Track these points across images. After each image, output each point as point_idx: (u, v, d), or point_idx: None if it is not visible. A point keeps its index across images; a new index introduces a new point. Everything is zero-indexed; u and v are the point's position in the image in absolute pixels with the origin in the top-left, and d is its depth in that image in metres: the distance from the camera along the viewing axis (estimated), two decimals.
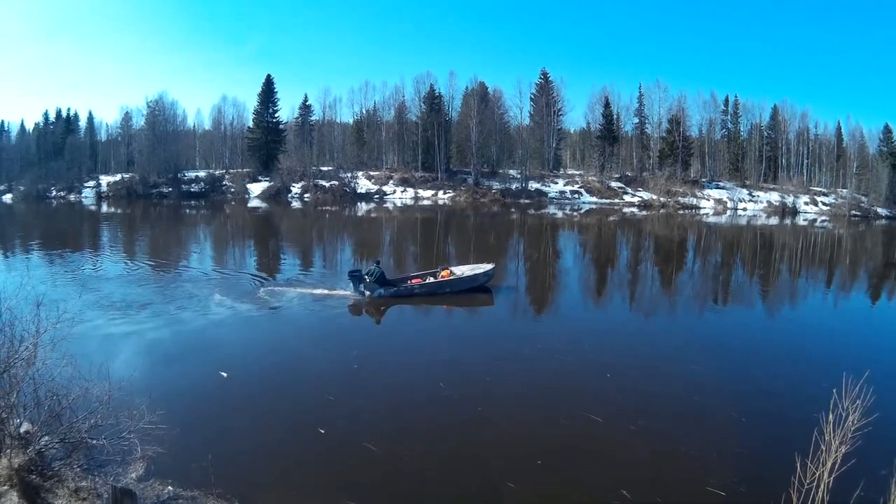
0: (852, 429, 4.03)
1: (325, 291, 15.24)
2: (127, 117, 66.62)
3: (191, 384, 8.70)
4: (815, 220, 52.47)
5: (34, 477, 5.15)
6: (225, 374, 9.06)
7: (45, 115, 70.43)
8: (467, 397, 8.52)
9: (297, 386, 8.89)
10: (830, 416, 4.05)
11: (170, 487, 5.61)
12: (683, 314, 15.33)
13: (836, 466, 4.07)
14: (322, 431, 7.14)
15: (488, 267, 15.55)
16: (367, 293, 14.55)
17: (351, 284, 14.79)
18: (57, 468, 5.40)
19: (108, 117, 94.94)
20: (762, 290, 19.29)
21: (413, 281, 15.33)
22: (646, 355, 10.84)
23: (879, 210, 59.84)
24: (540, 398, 8.59)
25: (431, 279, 15.36)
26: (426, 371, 9.78)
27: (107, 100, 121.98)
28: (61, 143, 64.30)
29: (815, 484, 4.11)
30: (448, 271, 15.57)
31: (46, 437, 5.50)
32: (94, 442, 5.58)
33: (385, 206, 49.98)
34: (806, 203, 58.94)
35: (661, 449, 6.97)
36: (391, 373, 9.71)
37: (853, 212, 57.58)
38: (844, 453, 4.04)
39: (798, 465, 4.10)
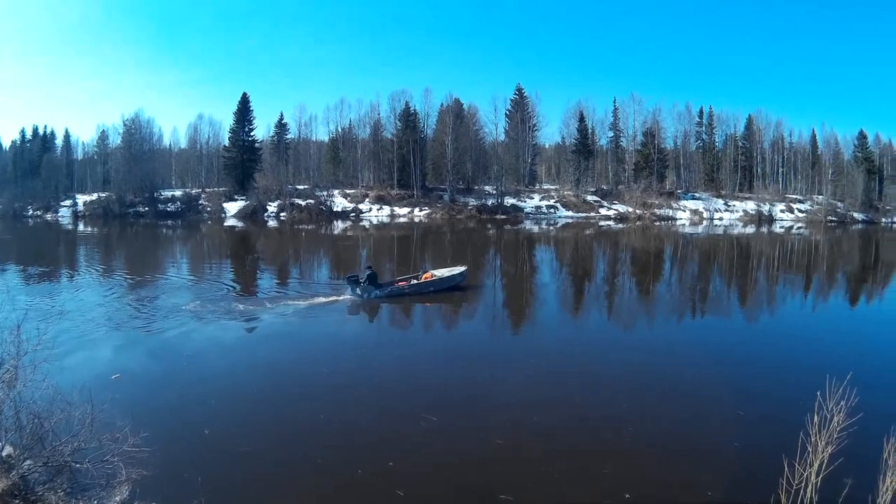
0: (837, 429, 4.15)
1: (322, 300, 16.18)
2: (103, 136, 66.34)
3: (175, 404, 8.43)
4: (791, 227, 53.00)
5: (17, 502, 5.07)
6: (116, 376, 9.09)
7: (22, 133, 70.06)
8: (460, 397, 8.90)
9: (290, 401, 8.70)
10: (815, 418, 4.16)
11: None
12: (664, 322, 15.36)
13: (823, 467, 4.17)
14: (315, 447, 7.04)
15: (462, 269, 18.07)
16: (364, 295, 16.03)
17: (348, 288, 16.25)
18: (41, 493, 5.30)
19: (84, 135, 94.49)
20: (741, 297, 19.39)
21: (400, 283, 17.26)
22: (630, 362, 10.94)
23: (856, 215, 60.55)
24: (530, 401, 8.69)
25: (415, 281, 17.28)
26: (418, 370, 10.36)
27: (84, 118, 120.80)
28: (38, 162, 63.93)
29: (802, 484, 4.21)
30: (429, 274, 17.62)
31: (29, 461, 5.39)
32: (78, 465, 5.48)
33: (361, 224, 49.89)
34: (782, 211, 59.56)
35: (650, 452, 7.07)
36: (386, 379, 9.97)
37: (829, 217, 58.21)
38: (831, 453, 4.15)
39: (786, 466, 4.19)
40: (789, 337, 13.52)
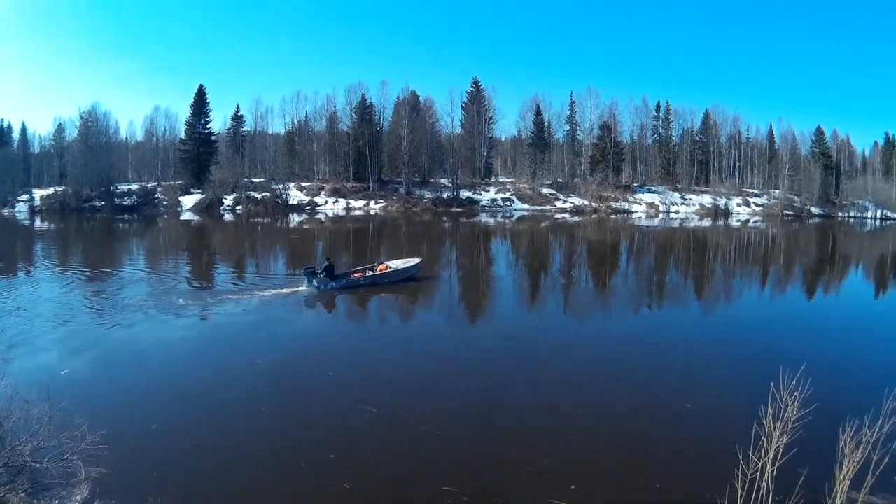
0: (792, 419, 4.18)
1: (280, 291, 16.37)
2: (60, 129, 65.04)
3: (130, 400, 8.32)
4: (748, 221, 53.73)
5: None
6: (65, 371, 9.05)
7: None
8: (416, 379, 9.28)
9: (237, 394, 8.63)
10: (770, 409, 4.20)
11: None
12: (616, 314, 15.40)
13: (779, 456, 4.21)
14: (272, 444, 6.96)
15: (417, 260, 18.59)
16: (321, 287, 16.31)
17: (305, 280, 16.48)
18: (2, 494, 5.27)
19: (41, 129, 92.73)
20: (695, 289, 19.52)
21: (356, 275, 17.53)
22: (579, 354, 10.96)
23: (812, 209, 61.60)
24: (471, 391, 8.71)
25: (371, 273, 17.57)
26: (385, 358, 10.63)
27: (40, 111, 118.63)
28: None
29: (758, 474, 4.24)
30: (385, 265, 18.01)
31: None
32: (38, 465, 5.41)
33: (317, 217, 49.64)
34: (738, 204, 60.39)
35: (605, 446, 7.02)
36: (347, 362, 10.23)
37: (786, 211, 59.17)
38: (786, 443, 4.18)
39: (741, 456, 4.24)
40: (744, 329, 13.55)
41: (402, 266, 18.02)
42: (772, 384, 4.37)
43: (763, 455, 4.25)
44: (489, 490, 5.97)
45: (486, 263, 25.13)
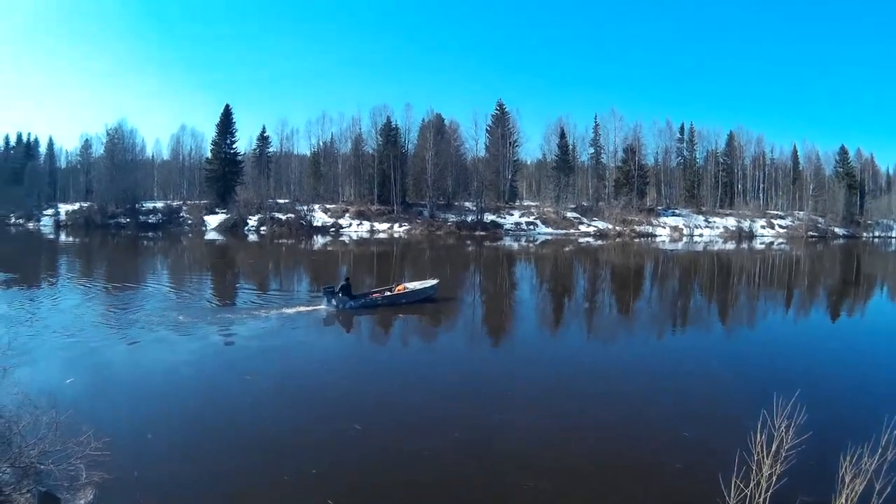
0: (786, 447, 4.23)
1: (299, 309, 16.67)
2: (87, 145, 66.18)
3: (136, 411, 8.57)
4: (772, 243, 53.34)
5: None
6: (70, 380, 9.29)
7: (6, 140, 69.79)
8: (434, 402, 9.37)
9: (255, 407, 8.89)
10: (760, 437, 4.26)
11: None
12: (634, 340, 15.25)
13: (772, 484, 4.22)
14: (280, 455, 7.18)
15: (434, 282, 18.60)
16: (339, 306, 16.51)
17: (324, 299, 16.70)
18: (8, 493, 5.47)
19: (68, 144, 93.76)
20: (715, 315, 19.37)
21: (374, 294, 17.77)
22: (586, 378, 11.04)
23: (837, 230, 61.06)
24: (466, 413, 8.85)
25: (388, 293, 17.82)
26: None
27: (68, 126, 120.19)
28: (21, 169, 63.64)
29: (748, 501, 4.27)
30: (402, 286, 18.18)
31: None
32: (43, 467, 5.62)
33: (341, 239, 49.88)
34: (763, 227, 59.96)
35: (599, 470, 7.10)
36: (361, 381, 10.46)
37: (810, 233, 58.71)
38: (779, 473, 4.22)
39: (732, 485, 4.29)
40: (765, 354, 13.38)
41: (419, 287, 18.26)
42: (763, 411, 4.43)
43: (752, 484, 4.26)
44: None
45: (506, 287, 25.22)
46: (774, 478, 4.28)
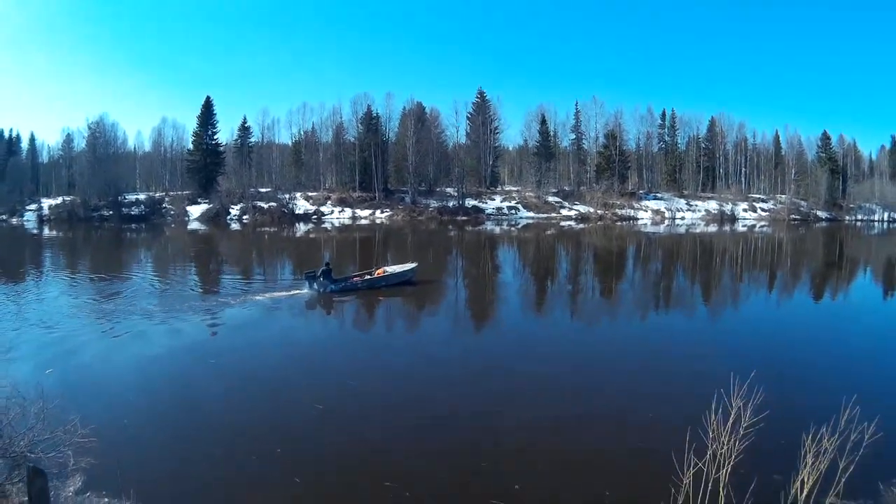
0: (743, 425, 4.23)
1: (281, 294, 17.13)
2: (68, 139, 65.86)
3: (118, 398, 8.72)
4: (754, 226, 53.61)
5: None
6: (49, 371, 9.39)
7: None
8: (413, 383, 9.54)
9: (228, 391, 9.08)
10: (715, 416, 4.27)
11: (105, 500, 5.79)
12: (613, 319, 15.49)
13: (730, 462, 4.23)
14: (261, 441, 7.28)
15: (413, 265, 19.03)
16: (321, 290, 16.94)
17: (306, 283, 17.18)
18: (0, 483, 5.59)
19: (49, 139, 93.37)
20: (696, 296, 19.47)
21: (355, 278, 18.29)
22: (556, 360, 10.94)
23: (819, 213, 61.47)
24: (424, 395, 8.93)
25: (368, 276, 18.33)
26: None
27: (49, 121, 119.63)
28: (3, 165, 63.26)
29: (704, 479, 4.30)
30: (382, 270, 18.74)
31: None
32: (32, 456, 5.65)
33: (323, 226, 49.88)
34: (745, 210, 60.27)
35: (557, 449, 7.04)
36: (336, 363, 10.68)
37: (793, 216, 59.03)
38: (738, 449, 4.24)
39: (691, 464, 4.26)
40: (744, 334, 13.46)
41: (398, 270, 18.66)
42: (721, 390, 4.44)
43: (718, 462, 4.29)
44: (431, 488, 6.13)
45: (486, 269, 25.31)
46: (732, 455, 4.33)
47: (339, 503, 5.94)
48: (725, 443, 4.31)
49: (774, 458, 5.53)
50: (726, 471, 4.34)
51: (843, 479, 4.32)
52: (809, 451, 4.28)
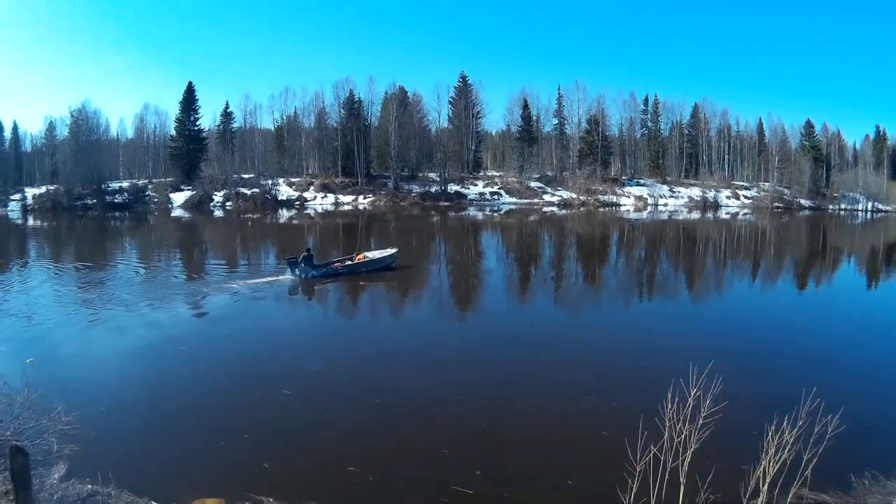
0: (703, 415, 4.26)
1: (262, 280, 17.47)
2: (51, 127, 65.12)
3: (99, 385, 8.93)
4: (737, 213, 53.89)
5: None
6: (30, 360, 9.48)
7: None
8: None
9: (213, 379, 9.30)
10: (672, 405, 4.30)
11: (89, 486, 5.87)
12: (593, 306, 15.56)
13: (690, 449, 4.27)
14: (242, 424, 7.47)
15: (393, 251, 19.25)
16: (302, 275, 17.18)
17: (288, 269, 17.42)
18: None
19: (32, 127, 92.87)
20: (679, 284, 19.60)
21: (336, 264, 18.45)
22: (529, 345, 11.11)
23: (802, 201, 61.75)
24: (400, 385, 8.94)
25: (349, 262, 18.56)
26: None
27: (32, 109, 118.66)
28: None
29: (661, 468, 4.35)
30: (362, 255, 19.00)
31: None
32: (19, 444, 5.48)
33: (306, 212, 49.80)
34: (728, 197, 60.55)
35: (520, 437, 7.12)
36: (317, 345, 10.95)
37: (776, 204, 59.29)
38: (699, 438, 4.27)
39: (638, 445, 4.30)
40: (727, 323, 13.44)
41: (378, 256, 18.86)
42: (680, 380, 4.45)
43: (678, 451, 4.33)
44: (393, 474, 6.27)
45: (467, 255, 25.42)
46: (691, 443, 4.34)
47: (302, 485, 6.04)
48: (683, 430, 4.36)
49: (736, 449, 5.60)
50: (684, 459, 4.39)
51: (809, 471, 4.33)
52: (773, 442, 4.29)
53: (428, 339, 11.77)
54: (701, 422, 4.34)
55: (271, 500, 5.70)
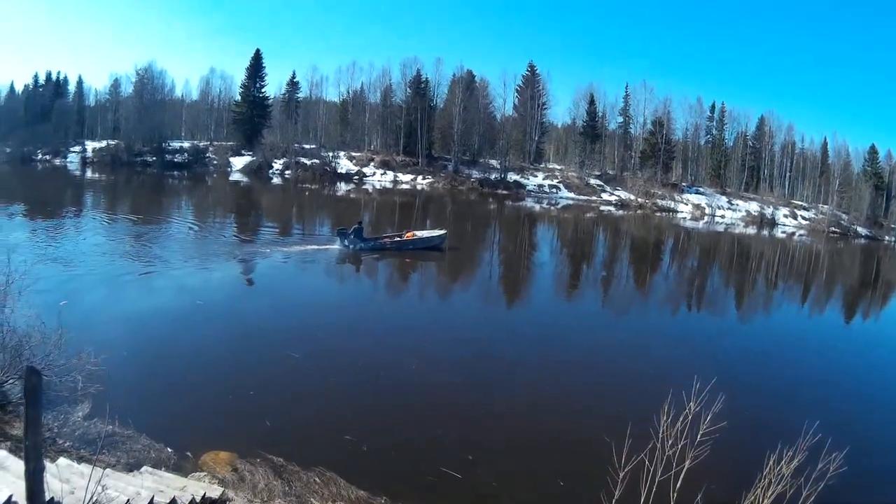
0: (700, 434, 4.19)
1: (313, 247, 18.24)
2: (116, 84, 66.43)
3: (128, 333, 9.24)
4: (793, 234, 52.63)
5: None
6: (63, 303, 9.74)
7: (35, 78, 70.06)
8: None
9: (234, 337, 9.78)
10: (667, 417, 4.22)
11: (109, 426, 6.20)
12: (637, 313, 15.50)
13: (686, 461, 4.18)
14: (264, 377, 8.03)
15: (442, 231, 19.64)
16: (351, 247, 17.83)
17: (338, 239, 18.15)
18: (17, 402, 6.12)
19: (97, 83, 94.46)
20: (725, 299, 19.50)
21: (385, 239, 19.09)
22: (552, 347, 11.14)
23: (859, 229, 60.01)
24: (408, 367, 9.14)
25: (398, 238, 19.10)
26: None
27: (97, 66, 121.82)
28: (49, 107, 63.83)
29: (656, 477, 4.22)
30: (412, 233, 19.34)
31: (11, 379, 6.28)
32: (46, 379, 5.97)
33: (364, 187, 49.96)
34: (785, 215, 59.08)
35: (520, 430, 7.26)
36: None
37: (832, 228, 57.69)
38: (694, 456, 4.18)
39: (624, 453, 4.22)
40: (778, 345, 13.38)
41: (427, 235, 19.30)
42: (671, 391, 4.40)
43: (658, 459, 4.20)
44: (387, 447, 6.52)
45: (518, 246, 25.42)
46: (687, 457, 4.20)
47: (297, 448, 6.32)
48: (678, 444, 4.23)
49: (730, 472, 5.56)
50: (677, 471, 4.21)
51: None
52: (773, 470, 4.14)
53: (452, 323, 12.17)
54: (699, 438, 4.22)
55: (281, 459, 5.94)
